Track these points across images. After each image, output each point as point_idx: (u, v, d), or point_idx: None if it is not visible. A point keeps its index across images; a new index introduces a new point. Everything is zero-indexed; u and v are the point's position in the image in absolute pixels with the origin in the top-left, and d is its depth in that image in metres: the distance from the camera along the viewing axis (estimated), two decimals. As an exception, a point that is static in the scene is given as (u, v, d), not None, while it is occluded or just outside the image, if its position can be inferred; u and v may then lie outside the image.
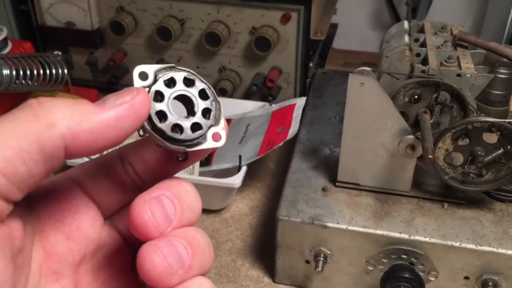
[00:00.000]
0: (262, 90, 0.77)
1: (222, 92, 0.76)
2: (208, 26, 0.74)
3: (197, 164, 0.63)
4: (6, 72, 0.64)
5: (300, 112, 0.64)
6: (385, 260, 0.49)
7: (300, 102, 0.66)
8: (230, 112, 0.71)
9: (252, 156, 0.61)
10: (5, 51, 0.69)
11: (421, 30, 0.56)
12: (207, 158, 0.65)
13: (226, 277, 0.55)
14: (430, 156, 0.42)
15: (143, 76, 0.21)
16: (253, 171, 0.69)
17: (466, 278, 0.48)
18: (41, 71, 0.70)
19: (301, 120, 0.64)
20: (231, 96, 0.77)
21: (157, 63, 0.80)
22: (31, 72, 0.68)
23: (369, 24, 1.01)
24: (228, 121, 0.71)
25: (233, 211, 0.63)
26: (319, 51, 0.84)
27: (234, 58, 0.77)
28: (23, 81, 0.68)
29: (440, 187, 0.52)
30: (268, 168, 0.71)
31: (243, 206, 0.64)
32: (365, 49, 1.00)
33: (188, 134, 0.22)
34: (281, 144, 0.60)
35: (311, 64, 0.78)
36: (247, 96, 0.78)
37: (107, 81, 0.83)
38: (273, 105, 0.70)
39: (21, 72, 0.67)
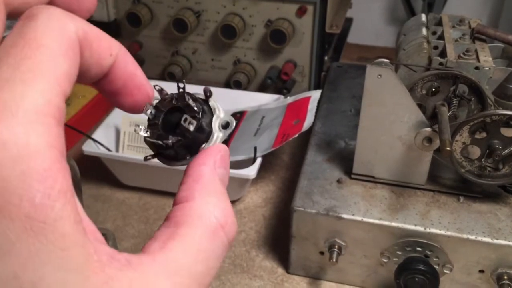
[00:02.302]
0: (277, 83, 0.77)
1: (237, 85, 0.77)
2: (223, 19, 0.74)
3: (212, 155, 0.63)
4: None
5: (315, 104, 0.64)
6: (399, 253, 0.49)
7: (316, 94, 0.66)
8: (245, 105, 0.72)
9: (267, 148, 0.62)
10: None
11: (439, 23, 0.56)
12: (221, 150, 0.65)
13: (240, 267, 0.55)
14: (448, 148, 0.42)
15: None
16: (267, 163, 0.70)
17: (481, 271, 0.48)
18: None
19: (316, 113, 0.64)
20: (245, 89, 0.77)
21: (172, 55, 0.81)
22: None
23: (384, 18, 1.01)
24: (243, 113, 0.71)
25: (247, 203, 0.64)
26: (333, 45, 0.84)
27: (249, 50, 0.77)
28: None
29: (456, 180, 0.52)
30: (282, 160, 0.71)
31: (257, 198, 0.65)
32: (379, 44, 0.99)
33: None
34: (296, 136, 0.60)
35: (326, 58, 0.78)
36: (262, 89, 0.79)
37: (122, 72, 0.83)
38: (288, 97, 0.70)
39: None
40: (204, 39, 0.78)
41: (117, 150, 0.65)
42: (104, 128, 0.64)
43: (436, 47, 0.51)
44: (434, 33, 0.55)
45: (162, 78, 0.81)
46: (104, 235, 0.46)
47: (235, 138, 0.67)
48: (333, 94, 0.69)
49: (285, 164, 0.71)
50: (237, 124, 0.69)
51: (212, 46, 0.78)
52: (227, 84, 0.80)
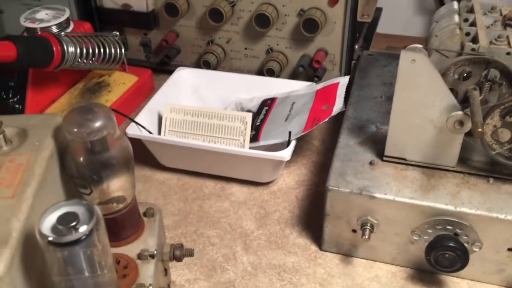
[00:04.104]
0: (308, 71, 0.79)
1: (270, 73, 0.79)
2: (257, 8, 0.77)
3: (247, 138, 0.66)
4: (71, 49, 0.68)
5: (344, 90, 0.67)
6: (430, 231, 0.51)
7: (344, 80, 0.68)
8: (276, 91, 0.74)
9: (298, 132, 0.64)
10: (68, 30, 0.74)
11: (470, 11, 0.58)
12: (255, 135, 0.68)
13: (275, 244, 0.58)
14: (480, 130, 0.44)
15: None
16: (299, 148, 0.72)
17: (510, 250, 0.50)
18: (101, 50, 0.75)
19: (347, 99, 0.66)
20: (278, 76, 0.80)
21: (207, 44, 0.84)
22: (93, 50, 0.73)
23: (413, 8, 1.02)
24: (274, 99, 0.74)
25: (280, 185, 0.67)
26: (363, 34, 0.86)
27: (281, 39, 0.79)
28: (85, 60, 0.72)
29: (485, 163, 0.53)
30: (313, 145, 0.74)
31: (290, 180, 0.67)
32: (408, 34, 1.00)
33: None
34: (326, 120, 0.62)
35: (356, 47, 0.80)
36: (294, 77, 0.81)
37: (159, 61, 0.87)
38: (317, 84, 0.72)
39: (84, 51, 0.71)
40: (238, 28, 0.81)
41: (159, 135, 0.69)
42: (146, 113, 0.68)
43: (468, 34, 0.53)
44: (466, 20, 0.56)
45: (197, 66, 0.84)
46: (151, 209, 0.49)
47: (267, 123, 0.69)
48: (363, 81, 0.71)
49: (316, 149, 0.73)
50: (268, 110, 0.72)
51: (245, 35, 0.81)
52: (260, 72, 0.82)
